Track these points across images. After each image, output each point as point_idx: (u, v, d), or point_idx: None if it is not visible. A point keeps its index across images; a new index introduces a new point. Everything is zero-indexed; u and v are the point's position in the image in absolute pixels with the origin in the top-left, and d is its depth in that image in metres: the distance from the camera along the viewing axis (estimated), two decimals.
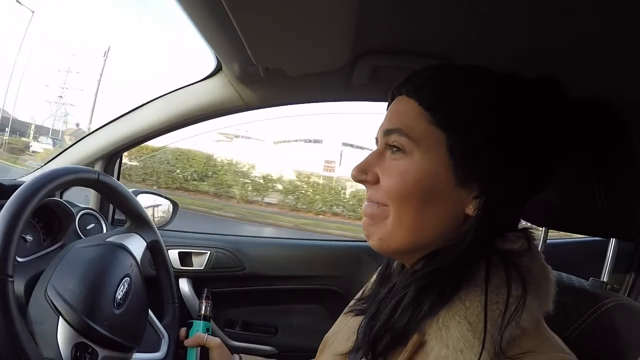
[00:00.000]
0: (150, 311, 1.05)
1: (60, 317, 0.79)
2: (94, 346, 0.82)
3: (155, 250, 1.13)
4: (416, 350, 0.57)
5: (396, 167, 0.60)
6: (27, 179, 1.37)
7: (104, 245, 0.95)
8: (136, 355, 0.95)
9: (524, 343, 0.52)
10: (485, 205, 0.57)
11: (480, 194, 0.58)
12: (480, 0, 0.75)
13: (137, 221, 1.09)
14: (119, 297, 0.89)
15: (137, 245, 1.02)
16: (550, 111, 0.60)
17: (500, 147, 0.57)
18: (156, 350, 1.03)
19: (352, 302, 0.82)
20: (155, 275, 1.15)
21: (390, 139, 0.61)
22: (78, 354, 0.80)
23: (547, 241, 0.91)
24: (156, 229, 1.13)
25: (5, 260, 0.72)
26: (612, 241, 0.82)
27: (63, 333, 0.79)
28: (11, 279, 0.72)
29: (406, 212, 0.59)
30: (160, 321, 1.08)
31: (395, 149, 0.61)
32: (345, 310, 0.82)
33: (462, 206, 0.59)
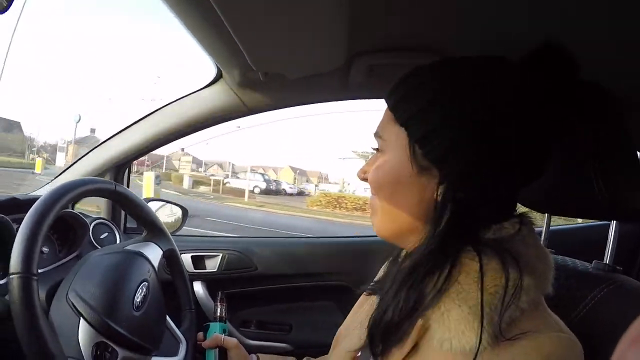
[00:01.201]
0: (168, 317, 1.07)
1: (81, 317, 0.82)
2: (114, 346, 0.84)
3: (171, 259, 1.15)
4: (422, 334, 0.60)
5: (376, 163, 0.68)
6: (42, 192, 1.42)
7: (122, 253, 0.98)
8: (155, 359, 0.96)
9: (523, 324, 0.54)
10: (448, 189, 0.60)
11: (441, 179, 0.61)
12: None
13: (153, 230, 1.10)
14: (138, 300, 0.91)
15: (153, 253, 1.04)
16: (507, 89, 0.60)
17: (451, 131, 0.59)
18: (174, 354, 1.04)
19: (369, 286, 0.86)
20: (171, 281, 1.17)
21: (375, 140, 0.69)
22: (98, 352, 0.82)
23: (551, 228, 0.92)
24: (171, 237, 1.14)
25: (30, 259, 0.74)
26: (613, 224, 0.83)
27: (84, 333, 0.81)
28: (35, 277, 0.74)
29: (383, 200, 0.68)
30: (178, 327, 1.10)
31: (377, 150, 0.69)
32: (360, 298, 0.87)
33: (429, 192, 0.62)
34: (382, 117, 0.69)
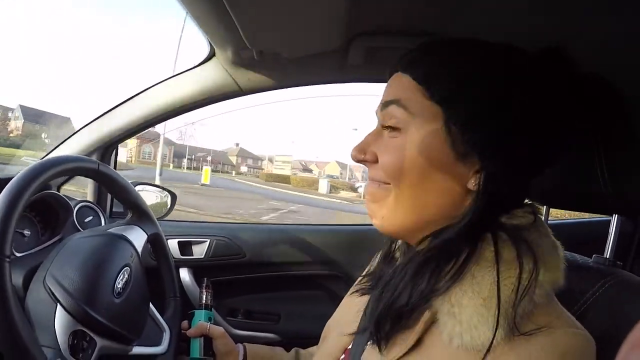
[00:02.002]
0: (151, 305, 1.04)
1: (58, 304, 0.79)
2: (92, 335, 0.82)
3: (156, 243, 1.12)
4: (428, 327, 0.57)
5: (393, 144, 0.60)
6: None
7: (104, 236, 0.95)
8: (137, 348, 0.94)
9: (538, 319, 0.52)
10: (487, 179, 0.57)
11: (481, 167, 0.57)
12: None
13: (138, 213, 1.08)
14: (119, 287, 0.88)
15: (137, 237, 1.02)
16: (551, 82, 0.58)
17: (498, 119, 0.56)
18: (157, 344, 1.02)
19: (357, 282, 0.82)
20: (155, 267, 1.15)
21: (388, 114, 0.61)
22: (75, 341, 0.80)
23: (549, 222, 0.91)
24: (157, 221, 1.12)
25: (2, 239, 0.71)
26: (615, 218, 0.82)
27: (61, 320, 0.78)
28: (8, 259, 0.71)
29: (406, 188, 0.59)
30: (161, 315, 1.08)
31: (391, 129, 0.61)
32: (350, 291, 0.82)
33: (463, 181, 0.58)
34: (398, 86, 0.62)
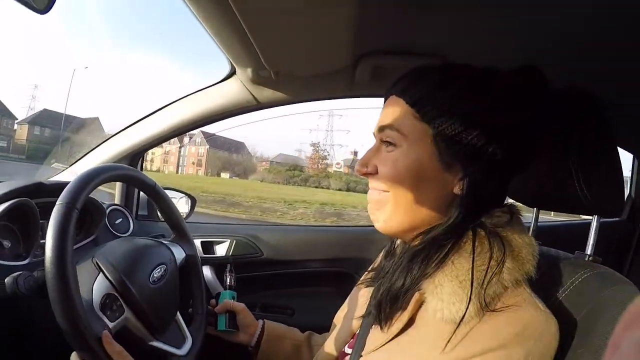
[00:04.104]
0: (179, 315, 1.08)
1: (101, 272, 0.89)
2: (122, 302, 0.89)
3: (191, 263, 1.18)
4: (419, 307, 0.68)
5: (390, 157, 0.71)
6: (60, 177, 1.49)
7: (151, 240, 1.06)
8: (158, 342, 0.96)
9: (507, 300, 0.62)
10: (469, 184, 0.68)
11: (464, 175, 0.68)
12: (473, 2, 0.85)
13: (180, 235, 1.17)
14: (155, 275, 0.97)
15: (177, 251, 1.11)
16: (524, 99, 0.69)
17: (479, 134, 0.66)
18: (178, 347, 1.02)
19: (363, 276, 0.94)
20: (189, 285, 1.18)
21: (384, 134, 0.72)
22: (107, 301, 0.87)
23: (539, 223, 0.99)
24: (195, 245, 1.20)
25: (77, 195, 0.80)
26: (595, 218, 0.87)
27: (99, 283, 0.88)
28: (77, 210, 0.80)
29: (401, 195, 0.71)
30: (187, 326, 1.09)
31: (388, 143, 0.72)
32: (357, 284, 0.93)
33: (450, 187, 0.69)
34: (393, 110, 0.72)
